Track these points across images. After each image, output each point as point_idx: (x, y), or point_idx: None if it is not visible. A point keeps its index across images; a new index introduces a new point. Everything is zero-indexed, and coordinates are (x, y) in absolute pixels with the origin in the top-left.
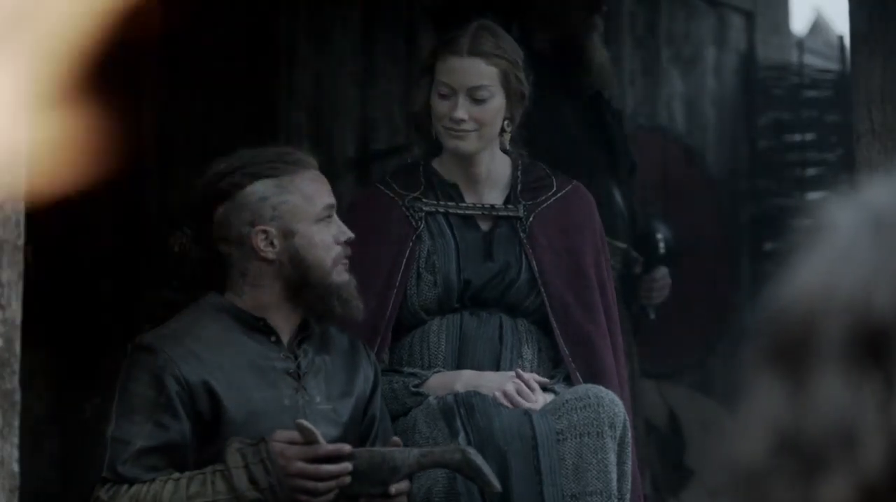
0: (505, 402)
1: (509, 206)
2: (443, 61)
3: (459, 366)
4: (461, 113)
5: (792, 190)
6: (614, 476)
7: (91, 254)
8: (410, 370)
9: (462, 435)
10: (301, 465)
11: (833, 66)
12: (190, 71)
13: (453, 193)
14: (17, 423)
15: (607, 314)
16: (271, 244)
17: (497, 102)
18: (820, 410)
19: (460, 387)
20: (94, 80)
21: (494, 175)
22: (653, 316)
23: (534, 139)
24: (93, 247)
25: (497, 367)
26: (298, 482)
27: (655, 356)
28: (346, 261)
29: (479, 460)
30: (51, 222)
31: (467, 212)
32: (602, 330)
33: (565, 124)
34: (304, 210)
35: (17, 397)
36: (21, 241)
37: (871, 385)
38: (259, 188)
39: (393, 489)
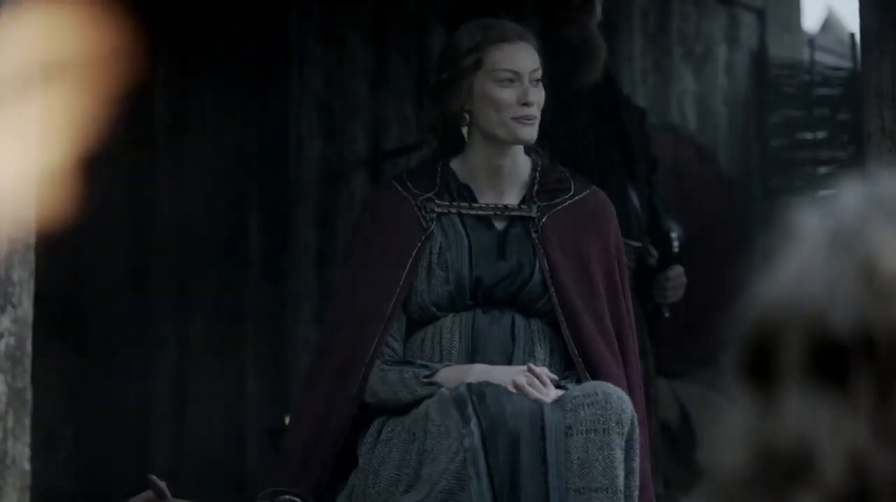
0: (516, 392)
1: (523, 207)
2: (497, 50)
3: (471, 362)
4: (533, 97)
5: (803, 188)
6: (621, 473)
7: (103, 252)
8: (422, 362)
9: (474, 421)
10: None
11: (844, 63)
12: (202, 70)
13: (466, 195)
14: (28, 422)
15: (618, 321)
16: None
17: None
18: (785, 425)
19: (472, 380)
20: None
21: (517, 172)
22: (668, 314)
23: (547, 137)
24: (105, 245)
25: (509, 366)
26: None
27: (668, 354)
28: None
29: None
30: (62, 223)
31: (480, 212)
32: (608, 336)
33: (579, 121)
34: None
35: (29, 396)
36: (32, 240)
37: (829, 401)
38: None
39: None
